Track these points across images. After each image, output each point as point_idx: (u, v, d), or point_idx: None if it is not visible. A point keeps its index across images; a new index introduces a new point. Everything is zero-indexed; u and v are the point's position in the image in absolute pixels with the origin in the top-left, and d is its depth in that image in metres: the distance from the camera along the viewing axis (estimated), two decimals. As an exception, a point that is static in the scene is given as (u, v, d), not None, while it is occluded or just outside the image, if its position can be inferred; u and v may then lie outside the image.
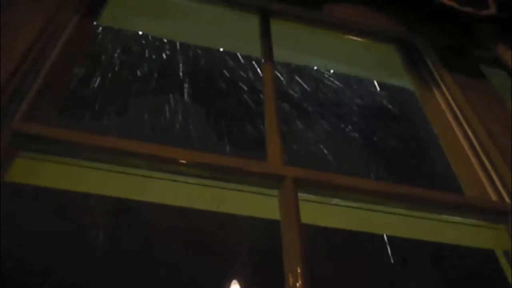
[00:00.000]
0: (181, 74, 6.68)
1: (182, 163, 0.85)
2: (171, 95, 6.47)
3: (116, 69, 6.38)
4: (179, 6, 1.45)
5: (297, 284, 0.72)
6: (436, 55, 1.40)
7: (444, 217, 1.00)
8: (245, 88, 6.76)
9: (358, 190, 0.93)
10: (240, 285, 4.88)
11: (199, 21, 1.49)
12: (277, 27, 1.39)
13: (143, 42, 6.72)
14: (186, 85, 6.61)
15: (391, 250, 5.45)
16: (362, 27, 1.48)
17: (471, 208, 1.00)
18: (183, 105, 6.44)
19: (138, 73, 6.49)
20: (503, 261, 1.00)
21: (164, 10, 1.48)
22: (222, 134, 6.23)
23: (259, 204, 0.93)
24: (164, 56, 6.75)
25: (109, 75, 6.27)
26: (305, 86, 7.05)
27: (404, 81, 1.50)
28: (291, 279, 0.73)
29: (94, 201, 4.86)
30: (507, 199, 1.02)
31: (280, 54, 1.32)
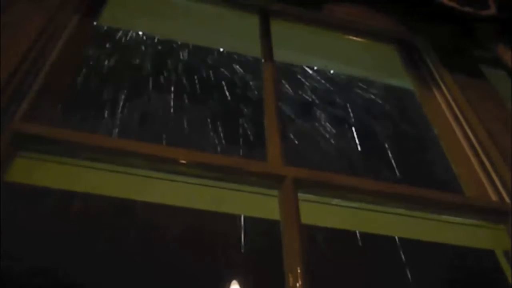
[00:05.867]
0: (181, 74, 6.68)
1: (182, 163, 0.85)
2: (170, 95, 6.47)
3: (116, 69, 6.38)
4: (179, 6, 1.45)
5: (297, 284, 0.72)
6: (436, 55, 1.40)
7: (444, 217, 1.00)
8: (245, 88, 6.76)
9: (358, 190, 0.93)
10: (240, 285, 4.88)
11: (199, 21, 1.49)
12: (277, 27, 1.39)
13: (143, 42, 6.73)
14: (186, 85, 6.61)
15: (392, 251, 5.45)
16: (362, 27, 1.48)
17: (471, 208, 1.00)
18: (183, 105, 6.44)
19: (138, 73, 6.49)
20: (503, 261, 1.00)
21: (164, 10, 1.48)
22: (221, 133, 6.23)
23: (259, 204, 0.93)
24: (164, 56, 6.75)
25: (109, 75, 6.27)
26: (304, 86, 7.05)
27: (404, 81, 1.50)
28: (291, 279, 0.73)
29: (94, 201, 4.85)
30: (507, 199, 1.02)
31: (280, 54, 1.32)
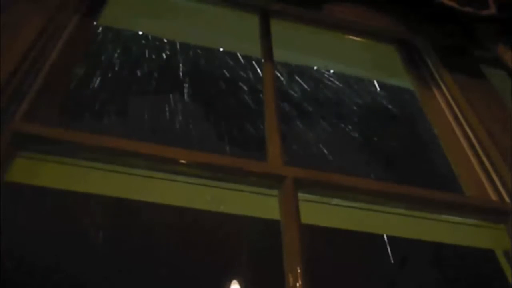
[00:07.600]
0: (181, 74, 6.68)
1: (182, 163, 0.85)
2: (171, 95, 6.47)
3: (116, 69, 6.37)
4: (179, 6, 1.45)
5: (297, 284, 0.72)
6: (436, 55, 1.40)
7: (444, 217, 1.00)
8: (245, 88, 6.76)
9: (358, 190, 0.93)
10: (240, 285, 4.88)
11: (199, 21, 1.49)
12: (277, 27, 1.39)
13: (143, 42, 6.72)
14: (186, 85, 6.61)
15: (391, 250, 5.45)
16: (362, 27, 1.48)
17: (471, 208, 1.00)
18: (183, 105, 6.44)
19: (138, 73, 6.49)
20: (503, 261, 1.00)
21: (164, 10, 1.48)
22: (222, 134, 6.23)
23: (259, 204, 0.93)
24: (164, 56, 6.75)
25: (109, 75, 6.27)
26: (305, 86, 7.04)
27: (404, 81, 1.50)
28: (291, 279, 0.73)
29: (94, 201, 4.85)
30: (507, 199, 1.02)
31: (280, 54, 1.32)
